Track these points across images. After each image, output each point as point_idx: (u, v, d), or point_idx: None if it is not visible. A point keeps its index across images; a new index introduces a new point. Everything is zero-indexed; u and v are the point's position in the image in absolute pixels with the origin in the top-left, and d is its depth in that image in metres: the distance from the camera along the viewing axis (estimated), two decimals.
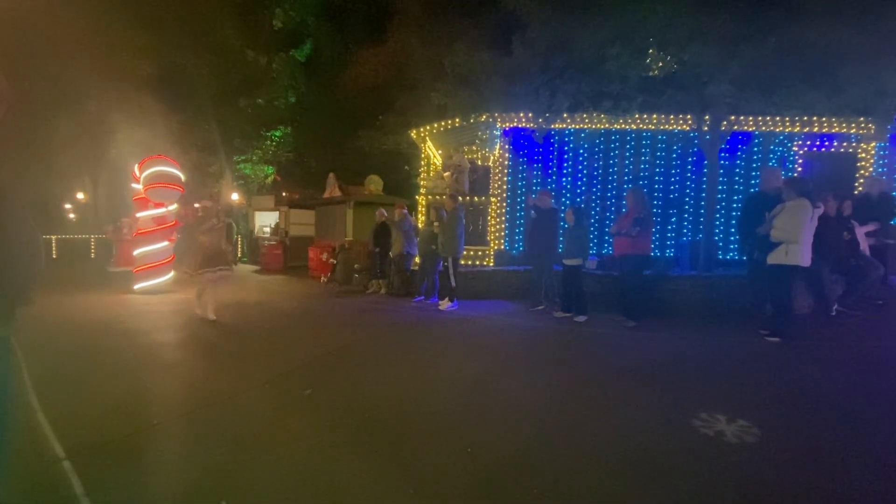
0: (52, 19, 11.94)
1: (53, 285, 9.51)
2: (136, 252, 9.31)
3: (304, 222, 15.78)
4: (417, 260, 8.94)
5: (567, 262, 6.83)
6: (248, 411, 3.36)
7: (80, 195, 23.24)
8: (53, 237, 18.29)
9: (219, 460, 2.64)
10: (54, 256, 17.56)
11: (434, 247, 8.17)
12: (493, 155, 10.12)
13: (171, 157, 9.39)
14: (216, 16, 16.09)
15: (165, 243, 9.49)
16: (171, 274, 9.54)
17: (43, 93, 13.48)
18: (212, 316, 6.37)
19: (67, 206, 25.36)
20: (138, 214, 9.51)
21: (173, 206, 9.57)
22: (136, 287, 9.03)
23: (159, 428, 3.05)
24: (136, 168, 9.20)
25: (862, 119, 8.43)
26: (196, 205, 5.76)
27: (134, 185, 9.38)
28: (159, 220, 9.44)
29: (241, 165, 18.86)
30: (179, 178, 9.13)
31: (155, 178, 8.82)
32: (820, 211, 5.31)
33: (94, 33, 13.10)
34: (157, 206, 9.33)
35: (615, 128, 9.27)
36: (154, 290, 9.10)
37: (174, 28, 15.11)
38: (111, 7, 13.53)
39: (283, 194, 19.55)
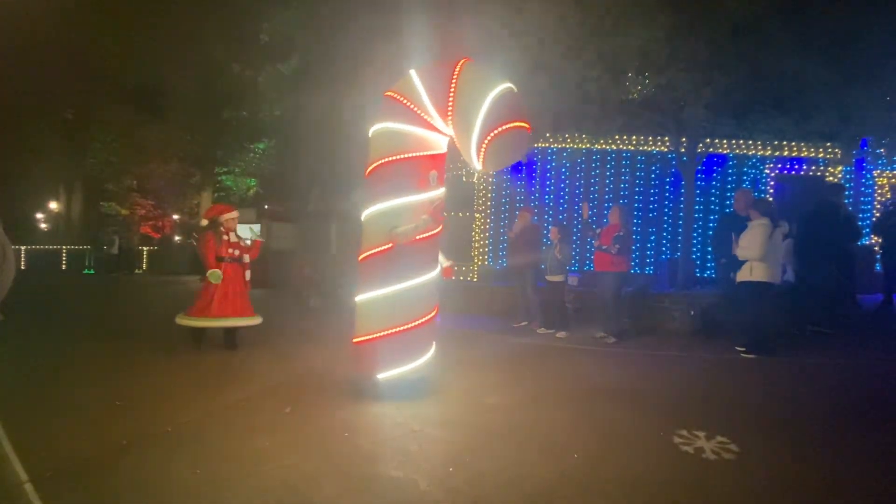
0: (32, 26, 11.77)
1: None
2: (361, 297, 3.86)
3: (285, 236, 15.60)
4: None
5: (549, 278, 6.90)
6: (225, 430, 3.26)
7: (52, 204, 22.59)
8: (23, 248, 17.70)
9: (193, 481, 2.55)
10: (23, 268, 16.96)
11: None
12: (477, 172, 10.23)
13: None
14: (202, 28, 16.06)
15: (435, 272, 3.99)
16: (434, 348, 4.12)
17: (20, 100, 13.18)
18: None
19: (39, 215, 24.60)
20: (375, 208, 3.82)
21: (442, 189, 3.96)
22: (380, 377, 3.83)
23: (128, 448, 2.94)
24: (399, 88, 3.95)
25: (829, 144, 8.84)
26: None
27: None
28: (437, 211, 3.81)
29: (223, 177, 18.65)
30: None
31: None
32: (784, 230, 5.51)
33: (75, 41, 12.92)
34: (423, 181, 3.80)
35: (596, 147, 9.51)
36: (413, 381, 3.94)
37: (158, 39, 15.03)
38: (93, 17, 13.40)
39: (266, 207, 19.35)
